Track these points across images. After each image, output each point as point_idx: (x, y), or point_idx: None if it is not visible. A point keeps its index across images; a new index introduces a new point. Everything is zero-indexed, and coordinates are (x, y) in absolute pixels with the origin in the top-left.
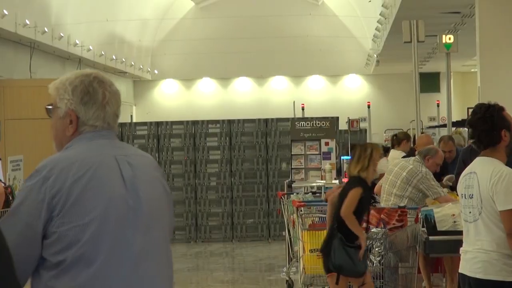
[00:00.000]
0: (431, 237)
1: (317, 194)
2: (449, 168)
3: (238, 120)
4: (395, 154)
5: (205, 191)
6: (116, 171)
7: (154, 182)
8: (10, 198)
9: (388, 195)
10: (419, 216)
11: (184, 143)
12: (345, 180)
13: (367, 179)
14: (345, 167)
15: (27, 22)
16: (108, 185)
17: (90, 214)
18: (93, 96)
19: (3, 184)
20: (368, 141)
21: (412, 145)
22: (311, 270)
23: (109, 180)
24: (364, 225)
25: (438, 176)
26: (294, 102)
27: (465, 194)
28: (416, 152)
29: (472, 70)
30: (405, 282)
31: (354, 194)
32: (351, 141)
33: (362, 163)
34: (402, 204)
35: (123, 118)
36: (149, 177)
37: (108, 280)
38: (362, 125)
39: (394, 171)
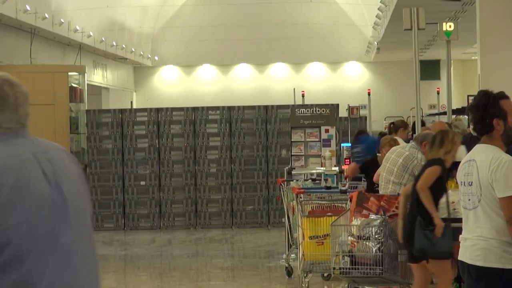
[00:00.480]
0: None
1: (317, 181)
2: None
3: (238, 107)
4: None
5: (205, 178)
6: (37, 168)
7: (73, 174)
8: None
9: (386, 182)
10: None
11: (184, 130)
12: (345, 167)
13: (446, 163)
14: (345, 154)
15: (28, 8)
16: (33, 184)
17: (20, 215)
18: (6, 100)
19: None
20: (367, 128)
21: (411, 133)
22: (310, 257)
23: (33, 179)
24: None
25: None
26: (294, 89)
27: (464, 182)
28: (413, 138)
29: (473, 57)
30: (405, 269)
31: (433, 171)
32: (351, 128)
33: (445, 147)
34: (400, 191)
35: (124, 104)
36: (68, 170)
37: (41, 276)
38: (362, 112)
39: (391, 158)
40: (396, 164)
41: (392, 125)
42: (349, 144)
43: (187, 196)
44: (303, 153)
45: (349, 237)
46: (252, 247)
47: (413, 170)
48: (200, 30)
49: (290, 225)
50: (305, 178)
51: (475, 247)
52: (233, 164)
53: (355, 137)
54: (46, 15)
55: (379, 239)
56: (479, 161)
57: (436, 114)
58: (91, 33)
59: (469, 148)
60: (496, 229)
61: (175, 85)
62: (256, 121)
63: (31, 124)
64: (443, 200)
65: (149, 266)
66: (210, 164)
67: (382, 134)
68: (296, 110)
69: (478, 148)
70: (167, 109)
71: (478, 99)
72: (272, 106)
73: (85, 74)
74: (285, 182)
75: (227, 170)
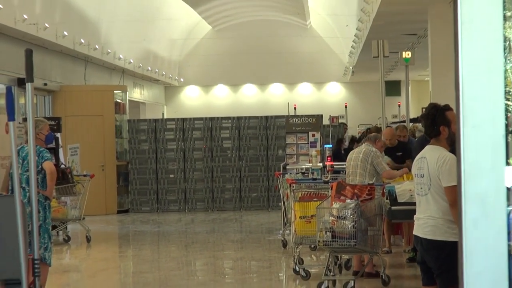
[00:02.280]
0: (393, 207)
1: (306, 174)
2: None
3: (245, 117)
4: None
5: (220, 172)
6: None
7: None
8: (70, 176)
9: (354, 176)
10: (384, 191)
11: (203, 135)
12: (327, 163)
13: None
14: (327, 153)
15: (82, 41)
16: None
17: None
18: None
19: (63, 166)
20: (346, 134)
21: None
22: (300, 232)
23: None
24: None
25: (394, 153)
26: (288, 103)
27: (417, 174)
28: (366, 139)
29: (426, 79)
30: (373, 241)
31: None
32: (332, 133)
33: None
34: (366, 181)
35: (157, 115)
36: None
37: None
38: (341, 120)
39: (353, 157)
40: (359, 158)
41: (368, 130)
42: (331, 145)
43: (205, 186)
44: (295, 153)
45: (330, 217)
46: (255, 225)
47: (372, 160)
48: (215, 57)
49: (285, 208)
50: (297, 172)
51: (425, 224)
52: (241, 161)
53: (336, 143)
54: (97, 47)
55: (353, 219)
56: (429, 158)
57: (397, 122)
58: (131, 60)
59: (422, 147)
60: (442, 210)
61: (196, 100)
62: (259, 128)
63: (85, 131)
64: (403, 188)
65: (176, 239)
66: (223, 161)
67: (353, 138)
68: (289, 119)
69: (428, 148)
70: (190, 119)
71: (429, 110)
72: (271, 116)
73: (127, 92)
74: (281, 175)
75: (237, 166)
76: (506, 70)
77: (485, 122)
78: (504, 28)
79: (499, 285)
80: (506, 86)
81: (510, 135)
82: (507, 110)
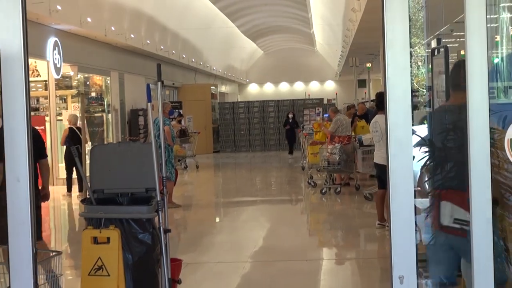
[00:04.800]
0: (361, 148)
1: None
2: (369, 117)
3: (281, 100)
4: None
5: (268, 129)
6: None
7: None
8: (187, 133)
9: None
10: (357, 139)
11: (259, 109)
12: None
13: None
14: (325, 118)
15: (193, 60)
16: None
17: None
18: None
19: (184, 127)
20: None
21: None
22: (311, 161)
23: None
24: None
25: (363, 117)
26: (305, 92)
27: (373, 130)
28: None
29: (379, 78)
30: (350, 166)
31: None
32: (328, 108)
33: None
34: (347, 133)
35: (234, 99)
36: None
37: None
38: (334, 101)
39: (332, 122)
40: (333, 122)
41: (348, 106)
42: (327, 115)
43: (261, 138)
44: (308, 119)
45: (327, 153)
46: (286, 158)
47: (340, 123)
48: (265, 68)
49: (303, 149)
50: (308, 130)
51: (377, 156)
52: (280, 124)
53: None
54: (201, 63)
55: (339, 154)
56: (379, 121)
57: (365, 101)
58: (219, 70)
59: (374, 115)
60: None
61: (255, 91)
62: (289, 105)
63: (195, 108)
64: (366, 137)
65: (245, 166)
66: (270, 124)
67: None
68: (306, 101)
69: (378, 116)
70: (252, 101)
71: (378, 95)
72: (296, 99)
73: (217, 87)
74: (301, 131)
75: (277, 126)
76: (412, 72)
77: (400, 99)
78: (412, 47)
79: (408, 182)
80: (413, 80)
81: (416, 108)
82: (412, 93)
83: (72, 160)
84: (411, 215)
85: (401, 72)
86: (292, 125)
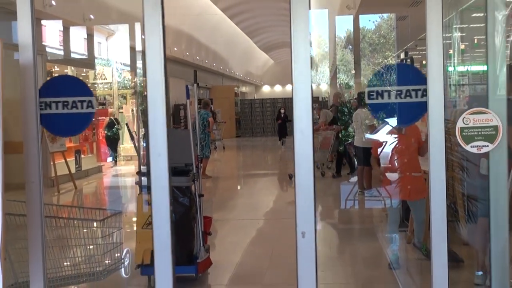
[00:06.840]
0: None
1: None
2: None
3: (287, 98)
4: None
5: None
6: None
7: None
8: (216, 119)
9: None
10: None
11: (271, 105)
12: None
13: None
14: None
15: (221, 67)
16: None
17: None
18: None
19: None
20: (329, 103)
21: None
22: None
23: None
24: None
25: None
26: None
27: (355, 120)
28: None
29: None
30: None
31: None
32: (323, 103)
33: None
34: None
35: (252, 97)
36: None
37: None
38: (327, 99)
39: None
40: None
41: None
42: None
43: (272, 126)
44: None
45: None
46: (290, 142)
47: (327, 115)
48: (275, 73)
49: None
50: None
51: (356, 139)
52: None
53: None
54: (227, 69)
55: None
56: (360, 114)
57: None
58: (240, 75)
59: (357, 109)
60: (362, 135)
61: (268, 91)
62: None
63: (222, 104)
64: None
65: (260, 148)
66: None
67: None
68: None
69: (359, 110)
70: (265, 98)
71: (359, 94)
72: None
73: (239, 88)
74: None
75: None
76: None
77: (303, 99)
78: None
79: None
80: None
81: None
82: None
83: (111, 141)
84: (310, 186)
85: (304, 79)
86: (284, 119)
